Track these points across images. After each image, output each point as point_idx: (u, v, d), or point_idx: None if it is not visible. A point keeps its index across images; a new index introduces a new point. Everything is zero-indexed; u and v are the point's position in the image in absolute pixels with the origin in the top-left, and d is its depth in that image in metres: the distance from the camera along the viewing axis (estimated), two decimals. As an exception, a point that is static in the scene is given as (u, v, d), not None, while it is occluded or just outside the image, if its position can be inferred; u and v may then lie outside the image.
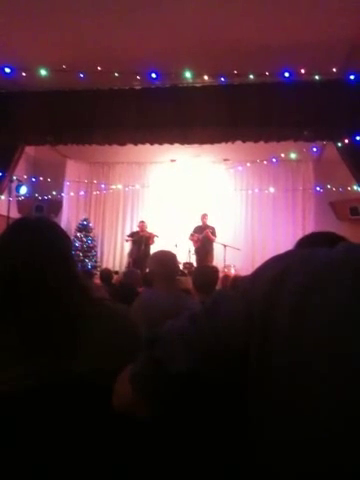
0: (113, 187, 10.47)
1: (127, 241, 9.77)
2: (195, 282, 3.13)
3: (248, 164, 9.67)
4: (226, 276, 6.07)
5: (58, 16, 4.93)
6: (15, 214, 7.98)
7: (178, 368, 0.78)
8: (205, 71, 5.92)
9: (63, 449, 0.97)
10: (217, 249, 9.13)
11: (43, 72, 5.83)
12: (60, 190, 9.81)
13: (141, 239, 9.13)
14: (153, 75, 5.82)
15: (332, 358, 0.68)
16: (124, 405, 0.88)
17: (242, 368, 0.79)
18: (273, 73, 5.75)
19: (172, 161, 10.00)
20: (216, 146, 7.19)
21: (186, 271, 8.25)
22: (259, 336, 0.76)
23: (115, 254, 10.69)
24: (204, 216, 9.18)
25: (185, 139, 6.89)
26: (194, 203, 10.00)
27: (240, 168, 9.90)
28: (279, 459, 0.72)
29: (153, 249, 8.50)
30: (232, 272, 8.46)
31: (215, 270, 3.42)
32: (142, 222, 9.51)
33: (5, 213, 6.83)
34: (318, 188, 9.26)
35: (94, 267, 9.56)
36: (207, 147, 7.59)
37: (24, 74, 5.89)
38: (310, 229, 8.92)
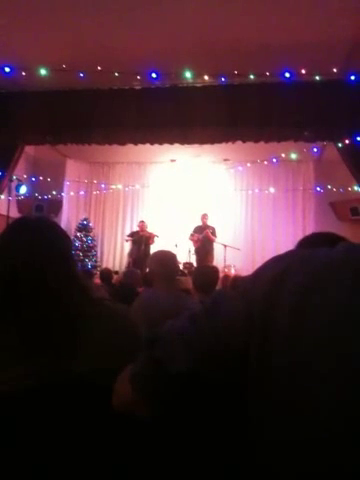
0: (113, 187, 10.48)
1: (127, 241, 9.77)
2: (195, 282, 3.13)
3: (248, 164, 9.67)
4: (226, 276, 6.07)
5: (58, 16, 4.92)
6: (15, 214, 7.98)
7: (178, 368, 0.78)
8: (205, 71, 5.91)
9: (63, 449, 0.97)
10: (217, 249, 9.13)
11: (43, 72, 5.83)
12: (60, 190, 9.81)
13: (141, 239, 9.12)
14: (153, 75, 5.81)
15: (332, 358, 0.68)
16: (124, 405, 0.88)
17: (242, 368, 0.79)
18: (273, 73, 5.75)
19: (172, 161, 10.00)
20: (216, 146, 7.19)
21: (186, 271, 8.25)
22: (259, 336, 0.76)
23: (115, 254, 10.69)
24: (204, 216, 9.17)
25: (185, 139, 6.89)
26: (194, 203, 10.00)
27: (240, 168, 9.90)
28: (279, 459, 0.72)
29: (153, 249, 8.50)
30: (232, 272, 8.46)
31: (215, 270, 3.43)
32: (142, 222, 9.51)
33: (5, 213, 6.83)
34: (318, 188, 9.26)
35: (94, 267, 9.56)
36: (207, 147, 7.60)
37: (24, 74, 5.88)
38: (310, 229, 8.93)
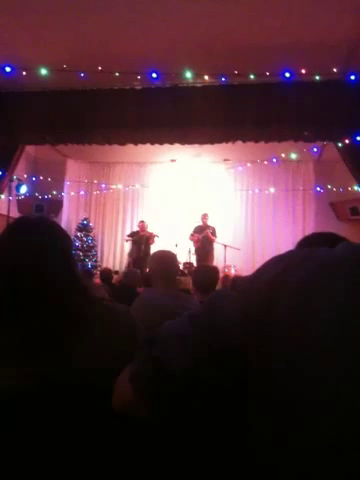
0: (113, 187, 10.48)
1: (127, 241, 9.78)
2: (195, 282, 3.13)
3: (248, 164, 9.68)
4: (226, 276, 6.07)
5: (58, 16, 4.92)
6: (15, 213, 7.99)
7: (177, 368, 0.78)
8: (205, 71, 5.91)
9: (63, 449, 0.97)
10: (217, 249, 9.13)
11: (43, 72, 5.83)
12: (60, 190, 9.82)
13: (141, 239, 9.13)
14: (153, 75, 5.81)
15: (332, 358, 0.68)
16: (124, 405, 0.88)
17: (242, 368, 0.79)
18: (273, 73, 5.74)
19: (172, 161, 10.00)
20: (216, 146, 7.20)
21: (186, 271, 8.26)
22: (258, 336, 0.76)
23: (115, 254, 10.69)
24: (204, 216, 9.18)
25: (185, 139, 6.89)
26: (194, 203, 10.00)
27: (240, 168, 9.91)
28: (279, 459, 0.72)
29: (153, 249, 8.51)
30: (232, 272, 8.46)
31: (215, 270, 3.42)
32: (142, 222, 9.51)
33: (5, 212, 6.83)
34: (318, 188, 9.26)
35: (94, 267, 9.57)
36: (207, 147, 7.60)
37: (24, 73, 5.88)
38: (310, 229, 8.93)
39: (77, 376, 0.99)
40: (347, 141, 6.30)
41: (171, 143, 6.97)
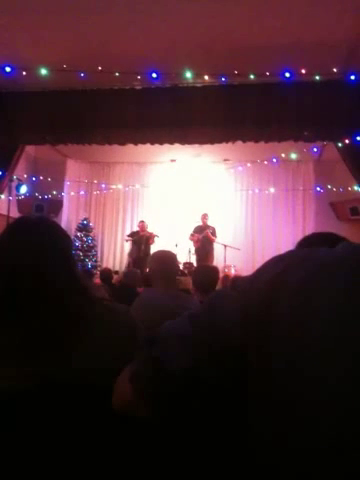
0: (113, 187, 10.48)
1: (127, 241, 9.78)
2: (195, 282, 3.13)
3: (248, 164, 9.68)
4: (226, 276, 6.07)
5: (59, 16, 4.92)
6: (15, 213, 7.99)
7: (177, 368, 0.78)
8: (205, 71, 5.91)
9: (63, 449, 0.97)
10: (217, 249, 9.13)
11: (43, 71, 5.83)
12: (60, 190, 9.82)
13: (141, 239, 9.13)
14: (153, 75, 5.81)
15: (332, 358, 0.68)
16: (124, 405, 0.88)
17: (242, 368, 0.79)
18: (273, 73, 5.74)
19: (172, 161, 10.00)
20: (216, 146, 7.20)
21: (186, 271, 8.26)
22: (258, 336, 0.76)
23: (115, 254, 10.69)
24: (204, 216, 9.17)
25: (185, 139, 6.89)
26: (194, 203, 10.00)
27: (240, 168, 9.91)
28: (279, 459, 0.72)
29: (153, 249, 8.51)
30: (232, 272, 8.46)
31: (215, 270, 3.42)
32: (142, 222, 9.51)
33: (5, 212, 6.83)
34: (318, 188, 9.26)
35: (94, 267, 9.57)
36: (207, 147, 7.60)
37: (24, 73, 5.88)
38: (310, 229, 8.93)
39: (77, 376, 0.99)
40: (347, 141, 6.30)
41: (171, 143, 6.97)
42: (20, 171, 8.43)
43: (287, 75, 5.74)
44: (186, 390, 0.81)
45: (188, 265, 8.83)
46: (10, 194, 7.17)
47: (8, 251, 1.10)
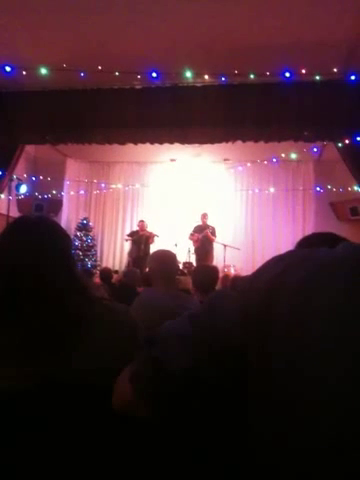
0: (113, 186, 10.48)
1: (127, 240, 9.78)
2: (195, 282, 3.13)
3: (248, 164, 9.68)
4: (226, 276, 6.07)
5: (58, 16, 4.92)
6: (15, 213, 7.99)
7: (177, 368, 0.78)
8: (205, 71, 5.92)
9: (63, 449, 0.97)
10: (217, 249, 9.13)
11: (44, 71, 5.83)
12: (60, 189, 9.82)
13: (141, 238, 9.13)
14: (153, 75, 5.82)
15: (332, 358, 0.68)
16: (124, 405, 0.88)
17: (242, 368, 0.79)
18: (273, 73, 5.75)
19: (172, 161, 10.00)
20: (216, 146, 7.19)
21: (186, 271, 8.26)
22: (258, 336, 0.76)
23: (115, 253, 10.69)
24: (204, 216, 9.17)
25: (185, 139, 6.89)
26: (194, 203, 10.00)
27: (240, 168, 9.91)
28: (279, 459, 0.72)
29: (153, 249, 8.50)
30: (232, 272, 8.46)
31: (215, 270, 3.42)
32: (142, 221, 9.51)
33: (5, 212, 6.85)
34: (318, 188, 9.26)
35: (94, 266, 9.58)
36: (207, 147, 7.60)
37: (24, 73, 5.89)
38: (310, 229, 8.93)
39: (77, 376, 0.99)
40: (347, 141, 6.30)
41: (171, 143, 6.97)
42: (20, 171, 8.43)
43: (287, 75, 5.74)
44: (186, 390, 0.81)
45: (188, 265, 8.83)
46: (10, 194, 7.18)
47: (8, 251, 1.10)
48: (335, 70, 5.70)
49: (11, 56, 5.71)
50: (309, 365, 0.70)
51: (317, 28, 5.03)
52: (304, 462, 0.69)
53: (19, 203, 9.09)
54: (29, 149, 8.70)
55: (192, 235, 9.10)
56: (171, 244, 8.41)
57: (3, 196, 7.49)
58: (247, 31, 5.13)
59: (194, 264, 8.78)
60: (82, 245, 9.74)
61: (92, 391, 0.97)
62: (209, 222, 9.17)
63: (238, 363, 0.79)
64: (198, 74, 5.95)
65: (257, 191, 10.04)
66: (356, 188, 7.56)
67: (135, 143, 7.09)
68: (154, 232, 9.28)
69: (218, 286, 3.59)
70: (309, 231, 7.62)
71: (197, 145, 7.57)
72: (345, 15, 4.73)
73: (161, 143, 7.01)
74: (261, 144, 6.82)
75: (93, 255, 9.94)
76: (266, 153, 8.35)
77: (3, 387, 0.97)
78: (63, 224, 8.95)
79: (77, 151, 8.97)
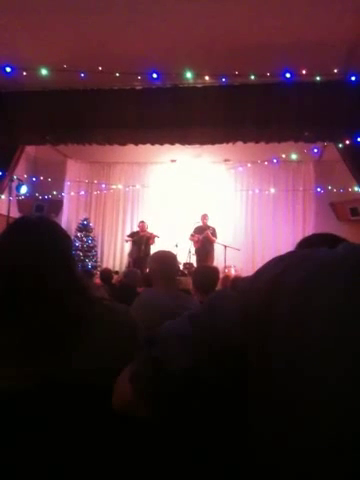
0: (113, 187, 10.49)
1: (127, 241, 9.78)
2: (195, 282, 3.13)
3: (249, 165, 9.69)
4: (226, 277, 6.06)
5: (59, 16, 4.93)
6: (15, 214, 7.99)
7: (177, 368, 0.78)
8: (206, 71, 5.92)
9: (63, 449, 0.97)
10: (217, 250, 9.13)
11: (44, 72, 5.84)
12: (60, 190, 9.83)
13: (141, 239, 9.13)
14: (154, 75, 5.82)
15: (332, 358, 0.68)
16: (124, 405, 0.88)
17: (242, 368, 0.79)
18: (274, 73, 5.75)
19: (172, 161, 10.00)
20: (217, 146, 7.20)
21: (186, 271, 8.25)
22: (258, 336, 0.76)
23: (115, 254, 10.69)
24: (204, 216, 9.17)
25: (186, 139, 6.89)
26: (194, 203, 10.00)
27: (241, 168, 9.91)
28: (279, 459, 0.72)
29: (153, 249, 8.50)
30: (232, 273, 8.46)
31: (215, 270, 3.42)
32: (142, 222, 9.50)
33: (5, 213, 6.84)
34: (319, 189, 9.27)
35: (94, 267, 9.57)
36: (208, 147, 7.61)
37: (25, 73, 5.89)
38: (310, 230, 8.94)
39: (77, 376, 0.99)
40: (347, 142, 6.30)
41: (171, 143, 6.97)
42: (20, 171, 8.43)
43: (287, 75, 5.74)
44: (186, 390, 0.81)
45: (188, 265, 8.83)
46: (10, 194, 7.18)
47: (8, 251, 1.10)
48: (335, 70, 5.70)
49: (11, 56, 5.71)
50: (309, 365, 0.70)
51: (317, 28, 5.03)
52: (304, 462, 0.69)
53: (19, 204, 9.09)
54: (29, 150, 8.70)
55: (192, 236, 9.09)
56: (171, 245, 8.41)
57: (3, 197, 7.49)
58: (247, 31, 5.13)
59: (194, 265, 8.78)
60: (82, 246, 9.74)
61: (92, 391, 0.97)
62: (209, 223, 9.16)
63: (238, 363, 0.79)
64: (198, 75, 5.96)
65: (257, 192, 10.04)
66: (356, 188, 7.56)
67: (135, 144, 7.10)
68: (154, 233, 9.28)
69: (218, 287, 3.59)
70: (309, 231, 7.63)
71: (197, 146, 7.57)
72: (345, 15, 4.74)
73: (161, 144, 7.02)
74: (261, 145, 6.83)
75: (93, 256, 9.94)
76: (266, 154, 8.36)
77: (3, 387, 0.97)
78: (63, 225, 8.95)
79: (77, 152, 8.98)
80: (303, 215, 9.87)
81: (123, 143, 7.17)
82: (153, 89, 6.34)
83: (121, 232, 10.68)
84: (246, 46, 5.31)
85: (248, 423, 0.80)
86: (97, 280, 6.37)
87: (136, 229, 9.78)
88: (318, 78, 5.83)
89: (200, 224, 9.16)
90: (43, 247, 1.10)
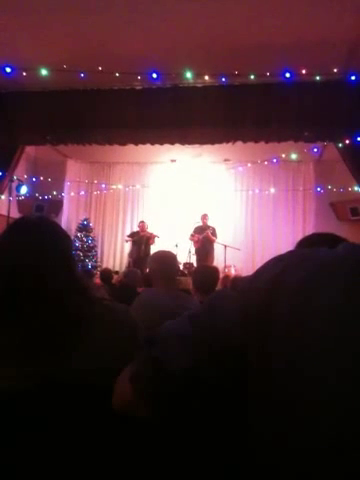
0: (113, 187, 10.48)
1: (127, 241, 9.78)
2: (195, 282, 3.13)
3: (249, 164, 9.68)
4: (226, 276, 6.06)
5: (59, 16, 4.93)
6: (15, 214, 7.99)
7: (177, 368, 0.78)
8: (206, 71, 5.92)
9: (63, 449, 0.97)
10: (217, 249, 9.12)
11: (44, 72, 5.84)
12: (60, 190, 9.83)
13: (141, 239, 9.13)
14: (154, 75, 5.82)
15: (332, 358, 0.68)
16: (124, 405, 0.88)
17: (242, 368, 0.79)
18: (274, 73, 5.75)
19: (172, 161, 10.00)
20: (216, 146, 7.20)
21: (186, 271, 8.25)
22: (258, 336, 0.76)
23: (115, 254, 10.69)
24: (204, 216, 9.16)
25: (185, 139, 6.89)
26: (194, 203, 10.00)
27: (241, 168, 9.91)
28: (279, 459, 0.72)
29: (153, 249, 8.50)
30: (232, 273, 8.45)
31: (215, 270, 3.42)
32: (142, 222, 9.50)
33: (5, 213, 6.84)
34: (319, 189, 9.26)
35: (94, 267, 9.57)
36: (207, 147, 7.61)
37: (25, 74, 5.89)
38: (310, 230, 8.93)
39: (77, 376, 0.99)
40: (347, 141, 6.30)
41: (171, 143, 6.97)
42: (20, 171, 8.43)
43: (287, 75, 5.74)
44: (186, 390, 0.81)
45: (188, 265, 8.82)
46: (10, 194, 7.18)
47: (8, 251, 1.10)
48: (335, 70, 5.70)
49: (11, 56, 5.71)
50: (309, 365, 0.70)
51: (317, 28, 5.03)
52: (304, 462, 0.69)
53: (19, 204, 9.09)
54: (29, 150, 8.70)
55: (192, 236, 9.09)
56: (172, 245, 8.41)
57: (3, 197, 7.49)
58: (247, 31, 5.13)
59: (194, 265, 8.77)
60: (82, 246, 9.74)
61: (92, 391, 0.97)
62: (209, 223, 9.16)
63: (238, 363, 0.79)
64: (198, 75, 5.95)
65: (257, 191, 10.04)
66: (356, 188, 7.55)
67: (135, 144, 7.10)
68: (154, 233, 9.28)
69: (218, 287, 3.59)
70: (309, 231, 7.62)
71: (197, 146, 7.58)
72: (345, 15, 4.74)
73: (161, 144, 7.02)
74: (261, 144, 6.83)
75: (93, 256, 9.94)
76: (266, 153, 8.36)
77: (3, 387, 0.97)
78: (63, 225, 8.95)
79: (77, 152, 8.97)
80: (303, 215, 9.87)
81: (123, 143, 7.17)
82: (153, 89, 6.34)
83: (121, 232, 10.68)
84: (246, 46, 5.31)
85: (248, 423, 0.80)
86: (97, 280, 6.37)
87: (136, 229, 9.77)
88: (318, 78, 5.83)
89: (200, 224, 9.16)
90: (43, 247, 1.10)
